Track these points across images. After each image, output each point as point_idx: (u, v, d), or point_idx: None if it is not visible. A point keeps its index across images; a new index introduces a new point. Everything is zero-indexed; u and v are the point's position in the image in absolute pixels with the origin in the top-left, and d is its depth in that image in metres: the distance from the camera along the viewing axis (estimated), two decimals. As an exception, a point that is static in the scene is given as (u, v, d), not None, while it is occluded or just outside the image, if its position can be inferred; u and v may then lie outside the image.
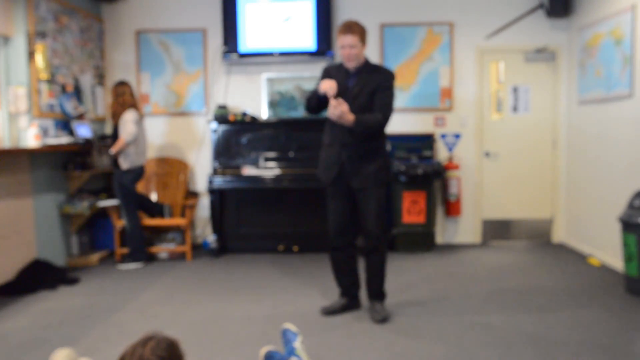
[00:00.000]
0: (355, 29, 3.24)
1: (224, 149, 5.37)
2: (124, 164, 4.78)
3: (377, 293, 3.46)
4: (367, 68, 3.35)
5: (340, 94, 3.30)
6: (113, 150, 4.74)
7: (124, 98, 4.82)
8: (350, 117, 3.15)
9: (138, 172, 4.88)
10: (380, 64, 3.45)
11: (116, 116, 4.82)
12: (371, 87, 3.29)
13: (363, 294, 3.59)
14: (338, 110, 3.11)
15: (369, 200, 3.32)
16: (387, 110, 3.29)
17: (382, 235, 3.39)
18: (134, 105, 4.82)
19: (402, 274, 4.42)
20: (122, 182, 4.80)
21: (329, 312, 3.46)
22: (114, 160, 4.83)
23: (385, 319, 3.32)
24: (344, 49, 3.24)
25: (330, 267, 3.60)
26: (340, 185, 3.36)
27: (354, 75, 3.34)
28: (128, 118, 4.71)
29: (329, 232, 3.46)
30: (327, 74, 3.43)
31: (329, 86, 3.17)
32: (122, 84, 4.87)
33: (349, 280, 3.54)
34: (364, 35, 3.28)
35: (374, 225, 3.34)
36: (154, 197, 5.47)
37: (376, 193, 3.33)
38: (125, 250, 4.95)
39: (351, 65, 3.30)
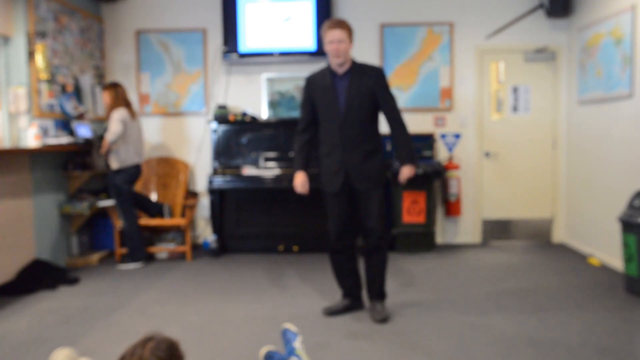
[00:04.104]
0: (344, 25, 3.25)
1: (224, 149, 5.37)
2: (113, 163, 4.79)
3: (378, 293, 3.45)
4: (355, 68, 3.32)
5: (330, 102, 3.30)
6: (100, 150, 4.76)
7: (124, 97, 4.84)
8: (412, 169, 3.36)
9: (131, 172, 4.86)
10: (365, 62, 3.43)
11: None
12: (365, 87, 3.27)
13: (365, 294, 3.59)
14: (404, 180, 3.37)
15: (372, 201, 3.31)
16: (398, 114, 3.36)
17: (384, 235, 3.38)
18: (127, 104, 4.83)
19: (402, 274, 4.42)
20: (115, 182, 4.79)
21: (331, 312, 3.45)
22: (106, 161, 4.85)
23: (386, 319, 3.32)
24: (332, 43, 3.21)
25: (330, 269, 3.59)
26: (342, 189, 3.35)
27: (342, 78, 3.30)
28: (114, 117, 4.71)
29: (330, 235, 3.44)
30: (310, 84, 3.41)
31: (300, 187, 3.40)
32: (118, 84, 4.88)
33: (351, 282, 3.52)
34: (351, 33, 3.28)
35: (377, 224, 3.33)
36: (154, 197, 5.47)
37: (378, 193, 3.33)
38: (125, 250, 4.95)
39: (338, 61, 3.24)
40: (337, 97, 3.29)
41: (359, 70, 3.31)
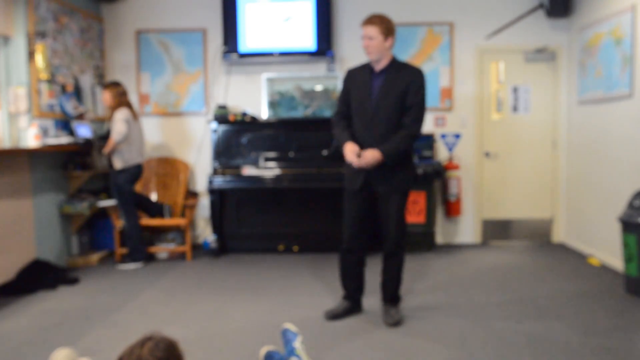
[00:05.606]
0: (376, 20, 3.18)
1: (224, 149, 5.37)
2: (117, 163, 4.79)
3: (392, 297, 3.40)
4: (394, 66, 3.24)
5: (363, 97, 3.24)
6: (105, 150, 4.77)
7: (126, 97, 4.85)
8: (377, 156, 3.12)
9: (133, 172, 4.86)
10: (407, 62, 3.35)
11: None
12: (400, 87, 3.19)
13: (366, 297, 3.59)
14: (363, 163, 3.13)
15: (392, 206, 3.26)
16: (415, 115, 3.20)
17: (401, 241, 3.33)
18: (128, 104, 4.83)
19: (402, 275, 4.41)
20: (117, 182, 4.80)
21: (333, 316, 3.40)
22: (109, 161, 4.85)
23: (398, 323, 3.26)
24: (363, 40, 3.19)
25: (337, 268, 3.56)
26: (363, 190, 3.30)
27: (379, 75, 3.25)
28: (118, 117, 4.71)
29: (343, 234, 3.41)
30: (349, 77, 3.36)
31: (351, 156, 3.17)
32: (119, 83, 4.88)
33: (355, 284, 3.49)
34: (386, 27, 3.18)
35: (395, 230, 3.28)
36: (154, 197, 5.47)
37: (399, 199, 3.27)
38: (125, 251, 4.96)
39: (371, 58, 3.22)
40: (370, 93, 3.24)
41: (396, 69, 3.24)
